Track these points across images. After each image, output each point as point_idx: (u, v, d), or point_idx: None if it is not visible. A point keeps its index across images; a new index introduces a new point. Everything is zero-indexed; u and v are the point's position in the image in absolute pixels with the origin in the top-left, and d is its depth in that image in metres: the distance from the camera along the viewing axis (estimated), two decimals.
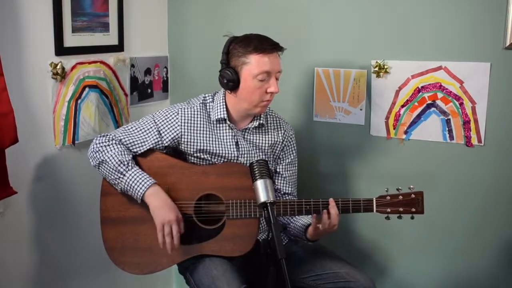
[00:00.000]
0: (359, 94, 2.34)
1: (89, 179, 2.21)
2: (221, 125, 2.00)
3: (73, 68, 2.17)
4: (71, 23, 2.14)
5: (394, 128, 2.30)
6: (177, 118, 1.97)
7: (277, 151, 2.08)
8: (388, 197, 1.86)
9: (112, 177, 1.87)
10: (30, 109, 2.04)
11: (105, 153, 1.88)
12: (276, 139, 2.06)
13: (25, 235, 2.10)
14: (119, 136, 1.93)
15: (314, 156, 2.47)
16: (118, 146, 1.90)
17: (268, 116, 2.08)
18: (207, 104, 2.02)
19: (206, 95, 2.04)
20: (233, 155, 1.99)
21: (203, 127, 1.98)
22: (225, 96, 1.99)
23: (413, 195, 1.85)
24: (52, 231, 2.20)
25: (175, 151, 2.00)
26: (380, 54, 2.27)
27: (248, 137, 2.02)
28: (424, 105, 2.23)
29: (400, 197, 1.86)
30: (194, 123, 1.98)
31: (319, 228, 1.85)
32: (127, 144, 1.92)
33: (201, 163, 1.99)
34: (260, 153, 2.03)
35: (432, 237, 2.31)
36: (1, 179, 1.88)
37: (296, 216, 2.01)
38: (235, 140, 2.00)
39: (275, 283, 1.54)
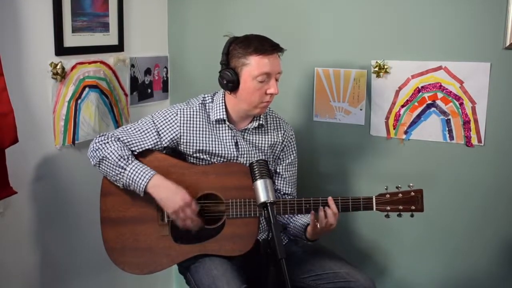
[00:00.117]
0: (359, 94, 2.34)
1: (89, 179, 2.21)
2: (220, 125, 2.00)
3: (73, 68, 2.17)
4: (71, 23, 2.15)
5: (394, 128, 2.30)
6: (176, 119, 1.97)
7: (277, 152, 2.08)
8: (388, 195, 1.86)
9: (114, 173, 1.87)
10: (30, 109, 2.04)
11: (104, 150, 1.88)
12: (276, 140, 2.06)
13: (25, 235, 2.10)
14: (118, 135, 1.93)
15: (314, 156, 2.47)
16: (117, 142, 1.90)
17: (268, 117, 2.08)
18: (207, 105, 2.02)
19: (206, 95, 2.04)
20: (232, 155, 1.99)
21: (203, 127, 1.98)
22: (224, 97, 1.99)
23: (412, 193, 1.86)
24: (52, 231, 2.20)
25: (174, 151, 2.00)
26: (380, 54, 2.27)
27: (248, 138, 2.02)
28: (424, 105, 2.23)
29: (400, 195, 1.86)
30: (193, 124, 1.98)
31: (318, 227, 1.86)
32: (125, 143, 1.92)
33: (201, 163, 1.99)
34: (260, 154, 2.03)
35: (432, 237, 2.31)
36: (1, 179, 1.88)
37: (296, 216, 2.02)
38: (235, 141, 2.00)
39: (275, 283, 1.54)
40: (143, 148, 1.93)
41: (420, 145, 2.27)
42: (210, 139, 1.98)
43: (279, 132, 2.07)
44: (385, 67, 2.26)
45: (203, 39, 2.62)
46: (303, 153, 2.30)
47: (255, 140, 2.03)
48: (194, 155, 1.98)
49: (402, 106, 2.27)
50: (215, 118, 1.98)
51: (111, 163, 1.87)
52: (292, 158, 2.11)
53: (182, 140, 1.97)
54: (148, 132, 1.95)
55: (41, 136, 2.11)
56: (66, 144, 2.19)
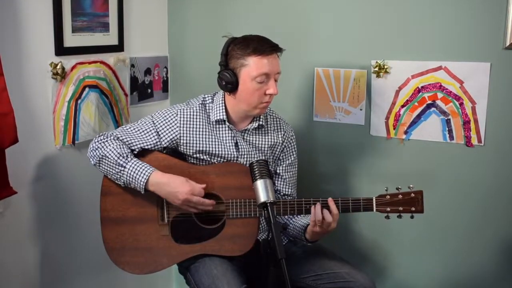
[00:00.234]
0: (359, 94, 2.34)
1: (89, 179, 2.21)
2: (220, 126, 2.00)
3: (73, 68, 2.17)
4: (71, 23, 2.14)
5: (394, 128, 2.30)
6: (176, 120, 1.97)
7: (277, 152, 2.08)
8: (388, 196, 1.86)
9: (114, 171, 1.87)
10: (30, 109, 2.04)
11: (104, 149, 1.88)
12: (276, 140, 2.06)
13: (25, 235, 2.10)
14: (117, 135, 1.93)
15: (314, 156, 2.47)
16: (116, 141, 1.90)
17: (268, 117, 2.07)
18: (207, 105, 2.01)
19: (206, 95, 2.04)
20: (232, 156, 1.98)
21: (203, 128, 1.98)
22: (224, 97, 1.99)
23: (412, 194, 1.86)
24: (52, 231, 2.20)
25: (174, 152, 2.00)
26: (380, 54, 2.27)
27: (248, 138, 2.02)
28: (424, 105, 2.23)
29: (400, 196, 1.86)
30: (193, 124, 1.98)
31: (317, 227, 1.85)
32: (125, 143, 1.92)
33: (201, 164, 1.99)
34: (260, 154, 2.02)
35: (432, 237, 2.31)
36: (1, 179, 1.88)
37: (296, 217, 2.01)
38: (235, 141, 2.00)
39: (275, 283, 1.54)
40: (142, 148, 1.93)
41: (420, 145, 2.27)
42: (210, 139, 1.98)
43: (279, 133, 2.07)
44: (385, 67, 2.26)
45: (203, 39, 2.62)
46: (303, 153, 2.30)
47: (255, 140, 2.03)
48: (194, 155, 1.98)
49: (402, 106, 2.27)
50: (215, 118, 1.97)
51: (110, 162, 1.87)
52: (292, 159, 2.11)
53: (182, 141, 1.96)
54: (148, 133, 1.95)
55: (41, 136, 2.11)
56: (66, 144, 2.19)
